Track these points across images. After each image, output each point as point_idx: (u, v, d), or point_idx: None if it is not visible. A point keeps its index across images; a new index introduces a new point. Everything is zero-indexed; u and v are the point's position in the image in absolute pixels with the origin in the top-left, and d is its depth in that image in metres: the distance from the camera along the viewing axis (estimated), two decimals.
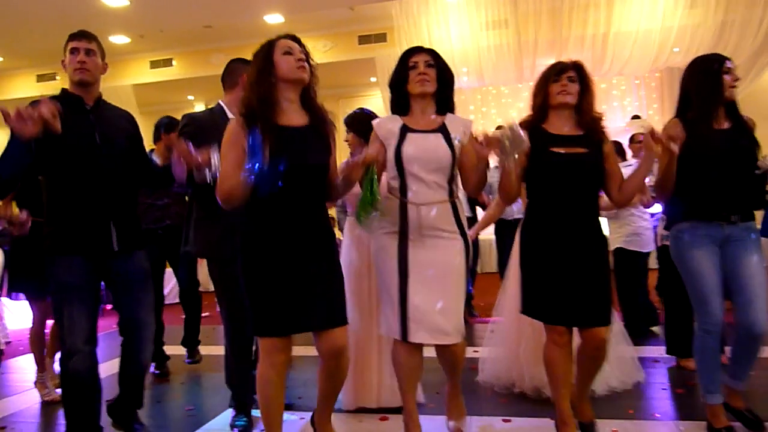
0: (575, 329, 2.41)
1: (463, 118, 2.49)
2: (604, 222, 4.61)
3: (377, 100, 9.41)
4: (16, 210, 3.15)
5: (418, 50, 2.43)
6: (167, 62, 9.58)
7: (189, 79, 9.56)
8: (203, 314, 4.36)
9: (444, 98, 2.44)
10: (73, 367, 2.42)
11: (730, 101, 2.50)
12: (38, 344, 3.56)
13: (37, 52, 8.60)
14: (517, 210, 4.86)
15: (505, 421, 2.82)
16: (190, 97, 11.15)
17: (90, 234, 2.44)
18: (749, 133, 2.52)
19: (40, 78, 9.80)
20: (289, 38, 2.22)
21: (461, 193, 2.54)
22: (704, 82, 2.47)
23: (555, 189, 2.37)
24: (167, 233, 3.97)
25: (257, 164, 2.04)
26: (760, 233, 5.28)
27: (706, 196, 2.45)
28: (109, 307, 5.22)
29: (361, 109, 3.16)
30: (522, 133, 2.14)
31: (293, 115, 2.18)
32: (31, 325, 3.60)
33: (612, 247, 4.44)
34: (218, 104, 2.91)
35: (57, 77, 9.60)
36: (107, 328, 2.63)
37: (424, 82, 2.36)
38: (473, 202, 5.28)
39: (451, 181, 2.38)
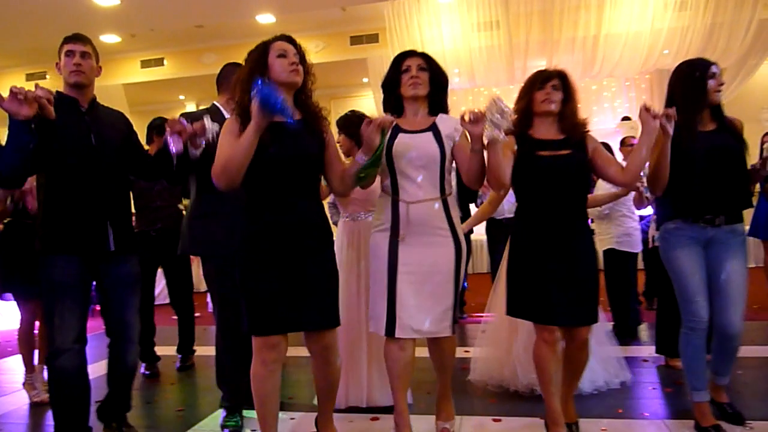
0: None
1: (454, 117, 2.51)
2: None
3: (369, 101, 9.42)
4: None
5: (410, 54, 2.48)
6: (158, 62, 9.53)
7: (180, 78, 9.52)
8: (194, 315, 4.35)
9: (437, 100, 2.48)
10: (61, 366, 2.42)
11: (715, 104, 2.56)
12: (26, 345, 3.54)
13: (26, 50, 8.54)
14: (508, 210, 4.88)
15: (495, 420, 2.84)
16: (181, 97, 11.11)
17: (87, 234, 2.46)
18: (735, 134, 2.57)
19: (30, 77, 9.72)
20: (284, 40, 2.23)
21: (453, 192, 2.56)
22: (689, 87, 2.52)
23: (542, 192, 2.43)
24: (160, 235, 3.97)
25: (261, 84, 2.01)
26: (749, 233, 5.41)
27: (689, 197, 2.51)
28: (98, 308, 5.19)
29: (353, 111, 3.18)
30: (506, 105, 2.15)
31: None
32: (19, 325, 3.58)
33: (602, 248, 4.47)
34: (213, 104, 2.94)
35: (47, 76, 9.54)
36: (97, 329, 2.63)
37: (416, 86, 2.40)
38: (465, 201, 5.28)
39: (443, 179, 2.40)
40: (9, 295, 3.57)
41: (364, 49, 8.74)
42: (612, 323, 4.25)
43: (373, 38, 8.71)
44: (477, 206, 4.84)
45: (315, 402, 2.54)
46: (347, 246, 3.04)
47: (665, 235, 2.60)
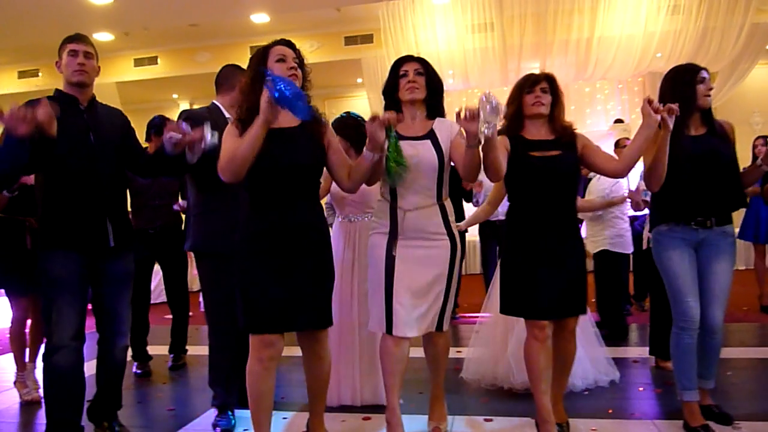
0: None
1: (450, 120, 2.55)
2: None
3: (363, 101, 9.42)
4: None
5: (408, 59, 2.54)
6: (152, 60, 9.49)
7: (174, 77, 9.49)
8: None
9: (434, 104, 2.54)
10: (57, 363, 2.43)
11: (705, 109, 2.61)
12: (18, 343, 3.52)
13: (19, 48, 8.49)
14: (502, 212, 4.90)
15: (486, 420, 2.85)
16: (175, 96, 11.08)
17: (87, 230, 2.48)
18: (724, 138, 2.62)
19: (22, 74, 9.68)
20: (283, 44, 2.28)
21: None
22: (678, 92, 2.57)
23: (533, 191, 2.50)
24: (159, 233, 3.97)
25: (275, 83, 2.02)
26: (739, 236, 5.47)
27: (681, 200, 2.57)
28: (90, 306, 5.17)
29: (349, 113, 3.21)
30: (497, 100, 2.18)
31: (284, 118, 2.21)
32: (10, 324, 3.56)
33: (595, 249, 4.50)
34: (214, 104, 2.97)
35: (39, 74, 9.50)
36: (89, 328, 2.64)
37: (414, 90, 2.47)
38: (459, 199, 5.29)
39: (440, 186, 2.46)
40: (0, 290, 3.56)
41: (359, 50, 8.75)
42: (599, 324, 4.27)
43: (367, 39, 8.71)
44: (474, 205, 4.85)
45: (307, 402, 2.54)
46: (343, 247, 3.08)
47: (658, 237, 2.66)
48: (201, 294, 3.34)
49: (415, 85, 2.46)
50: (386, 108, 2.57)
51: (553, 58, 8.04)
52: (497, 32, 7.98)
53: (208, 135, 2.49)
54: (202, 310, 3.26)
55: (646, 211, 4.02)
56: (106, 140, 2.55)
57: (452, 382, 3.30)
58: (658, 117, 2.32)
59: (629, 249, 4.57)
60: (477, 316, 3.64)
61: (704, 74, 2.60)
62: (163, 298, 4.70)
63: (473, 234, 5.72)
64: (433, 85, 2.52)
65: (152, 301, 4.44)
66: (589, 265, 3.42)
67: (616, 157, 2.55)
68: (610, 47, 7.92)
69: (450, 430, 2.72)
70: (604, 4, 7.73)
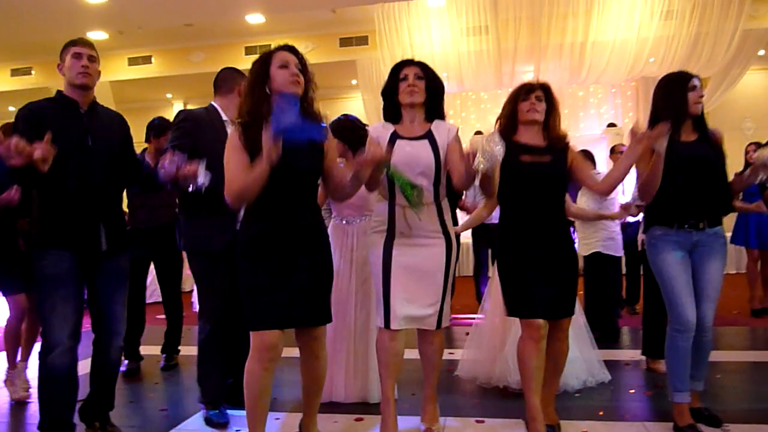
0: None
1: (449, 123, 2.64)
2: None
3: (358, 103, 9.43)
4: None
5: (408, 63, 2.59)
6: (146, 59, 9.47)
7: (168, 77, 9.47)
8: None
9: (433, 107, 2.60)
10: (52, 362, 2.44)
11: (697, 115, 2.67)
12: (12, 341, 3.52)
13: (12, 45, 8.46)
14: (495, 216, 4.92)
15: (478, 422, 2.86)
16: (169, 95, 11.06)
17: (80, 233, 2.49)
18: (714, 145, 2.68)
19: (15, 72, 9.64)
20: (286, 50, 2.29)
21: None
22: (670, 100, 2.64)
23: (523, 195, 2.56)
24: (155, 234, 3.97)
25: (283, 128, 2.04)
26: (731, 241, 5.53)
27: (674, 204, 2.62)
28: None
29: (346, 115, 3.26)
30: (497, 146, 2.25)
31: None
32: (6, 322, 3.55)
33: (587, 252, 4.53)
34: (212, 105, 3.01)
35: (32, 72, 9.46)
36: (84, 327, 2.64)
37: (413, 93, 2.53)
38: (454, 205, 5.31)
39: (437, 184, 2.52)
40: None
41: (354, 51, 8.77)
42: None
43: (362, 40, 8.73)
44: (460, 209, 4.85)
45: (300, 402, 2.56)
46: (339, 248, 3.14)
47: (652, 240, 2.71)
48: (194, 294, 3.36)
49: (415, 89, 2.52)
50: (385, 110, 2.64)
51: (547, 62, 8.08)
52: (492, 35, 8.02)
53: (201, 176, 2.50)
54: (195, 310, 3.26)
55: (640, 216, 4.07)
56: (103, 144, 2.57)
57: (444, 383, 3.31)
58: (641, 147, 2.42)
59: (620, 252, 4.62)
60: (470, 318, 3.66)
61: (695, 81, 2.65)
62: (155, 297, 4.70)
63: (466, 236, 5.74)
64: (433, 88, 2.57)
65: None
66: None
67: (601, 176, 2.62)
68: (604, 51, 7.98)
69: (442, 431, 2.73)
70: (598, 8, 7.78)
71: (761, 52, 8.36)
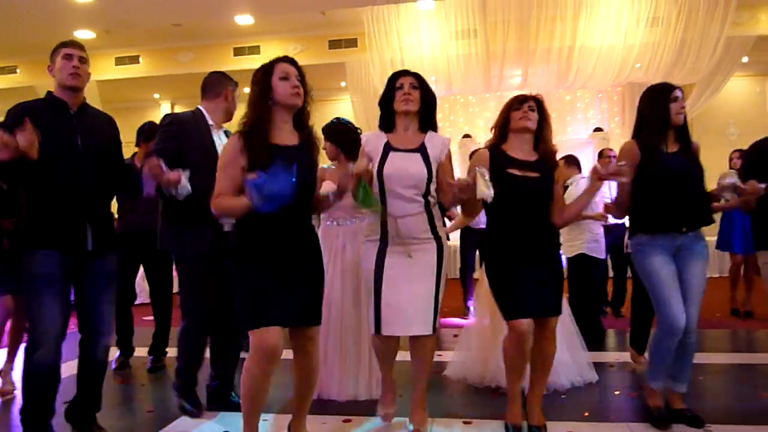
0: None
1: (442, 136, 2.72)
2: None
3: (346, 105, 9.44)
4: None
5: (404, 73, 2.70)
6: (133, 59, 9.41)
7: (155, 77, 9.41)
8: None
9: (427, 117, 2.69)
10: (38, 360, 2.48)
11: (679, 125, 2.76)
12: None
13: None
14: (482, 221, 4.96)
15: (465, 423, 2.89)
16: (156, 95, 10.99)
17: (67, 233, 2.51)
18: (695, 158, 2.79)
19: (0, 70, 9.53)
20: (287, 62, 2.36)
21: None
22: (653, 110, 2.75)
23: (510, 206, 2.63)
24: (146, 237, 3.93)
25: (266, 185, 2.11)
26: (716, 247, 5.64)
27: (658, 211, 2.72)
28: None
29: (338, 119, 3.30)
30: (484, 184, 2.35)
31: (286, 135, 2.35)
32: None
33: (571, 253, 4.57)
34: (198, 109, 3.05)
35: (17, 70, 9.36)
36: (70, 328, 2.64)
37: (408, 102, 2.62)
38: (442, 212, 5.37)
39: (427, 194, 2.59)
40: None
41: (343, 54, 8.77)
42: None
43: (351, 43, 8.73)
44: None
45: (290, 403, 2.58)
46: (330, 250, 3.19)
47: (638, 246, 2.79)
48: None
49: (410, 98, 2.61)
50: (381, 119, 2.72)
51: (535, 66, 8.14)
52: (480, 39, 8.06)
53: (183, 185, 2.59)
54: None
55: (623, 220, 4.12)
56: (93, 145, 2.59)
57: (432, 384, 3.32)
58: (601, 184, 2.59)
59: (603, 254, 4.68)
60: (458, 320, 3.69)
61: (677, 93, 2.75)
62: (142, 299, 4.68)
63: (454, 238, 5.78)
64: (427, 99, 2.67)
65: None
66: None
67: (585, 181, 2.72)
68: (591, 57, 8.06)
69: None
70: (585, 14, 7.86)
71: (745, 59, 8.48)
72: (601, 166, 2.57)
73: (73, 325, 2.58)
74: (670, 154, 2.74)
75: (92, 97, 8.33)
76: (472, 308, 3.61)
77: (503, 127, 2.72)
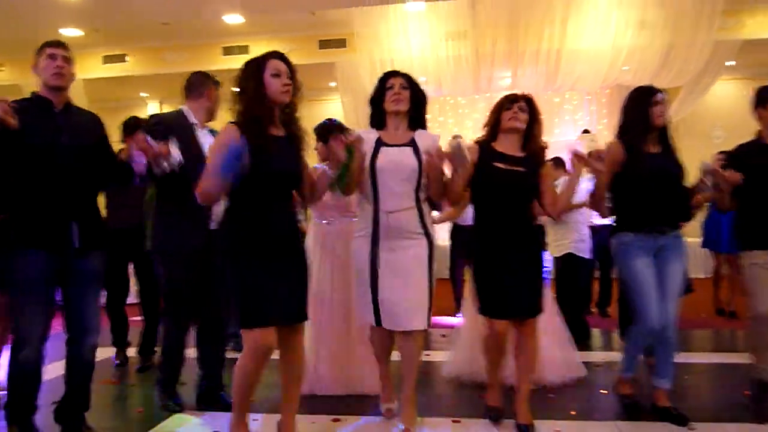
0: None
1: (432, 133, 2.77)
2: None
3: (336, 105, 9.43)
4: None
5: (394, 74, 2.76)
6: (121, 58, 9.33)
7: (143, 76, 9.35)
8: None
9: (416, 116, 2.74)
10: (24, 359, 2.50)
11: (661, 127, 2.83)
12: None
13: None
14: (470, 217, 4.99)
15: (454, 422, 2.91)
16: (144, 94, 10.92)
17: (52, 231, 2.51)
18: (674, 158, 2.86)
19: None
20: (278, 58, 2.39)
21: None
22: (636, 113, 2.83)
23: (494, 199, 2.71)
24: (134, 233, 3.94)
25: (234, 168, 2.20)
26: (702, 245, 5.70)
27: (640, 211, 2.80)
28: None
29: (330, 119, 3.34)
30: (464, 151, 2.47)
31: (274, 127, 2.40)
32: None
33: (559, 253, 4.61)
34: (181, 110, 3.11)
35: (3, 68, 9.26)
36: (55, 329, 2.64)
37: (398, 102, 2.68)
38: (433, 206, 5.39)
39: (418, 189, 2.63)
40: None
41: (333, 54, 8.76)
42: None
43: (341, 43, 8.72)
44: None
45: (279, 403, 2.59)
46: (320, 248, 3.23)
47: (621, 246, 2.85)
48: None
49: (400, 98, 2.66)
50: (372, 117, 2.76)
51: (524, 68, 8.18)
52: (470, 40, 8.08)
53: (174, 155, 2.64)
54: None
55: (610, 220, 4.16)
56: (78, 144, 2.59)
57: (420, 383, 3.34)
58: (580, 169, 2.72)
59: (589, 254, 4.71)
60: (447, 320, 3.72)
61: (659, 96, 2.81)
62: (130, 298, 4.63)
63: (443, 238, 5.80)
64: (417, 99, 2.72)
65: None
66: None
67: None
68: (579, 59, 8.10)
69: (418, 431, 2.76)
70: (574, 17, 7.91)
71: (731, 63, 8.58)
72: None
73: (57, 327, 2.58)
74: (653, 155, 2.81)
75: (79, 95, 8.26)
76: (462, 307, 3.63)
77: (494, 126, 2.79)
